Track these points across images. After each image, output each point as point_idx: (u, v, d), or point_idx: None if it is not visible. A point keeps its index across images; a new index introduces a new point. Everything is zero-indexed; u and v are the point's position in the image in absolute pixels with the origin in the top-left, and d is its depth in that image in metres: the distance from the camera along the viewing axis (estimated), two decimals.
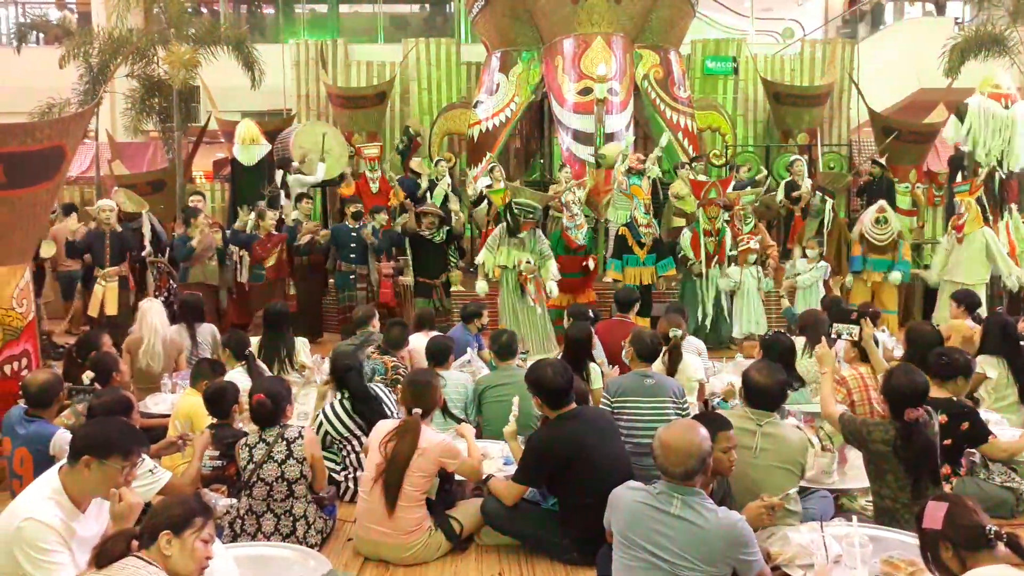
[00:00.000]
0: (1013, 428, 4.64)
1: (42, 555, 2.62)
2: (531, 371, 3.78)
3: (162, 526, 2.43)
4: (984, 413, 4.65)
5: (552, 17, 10.51)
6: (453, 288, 8.62)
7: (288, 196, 9.77)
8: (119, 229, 7.87)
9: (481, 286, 7.58)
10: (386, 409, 4.40)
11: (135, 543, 2.41)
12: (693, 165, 10.03)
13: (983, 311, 7.12)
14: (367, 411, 4.34)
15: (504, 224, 7.41)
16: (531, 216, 7.47)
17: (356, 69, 12.95)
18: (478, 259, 7.59)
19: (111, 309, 7.50)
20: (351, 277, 8.50)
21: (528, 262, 7.27)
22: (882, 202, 8.60)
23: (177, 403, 4.70)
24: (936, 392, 3.97)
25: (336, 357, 4.61)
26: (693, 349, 6.04)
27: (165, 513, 2.49)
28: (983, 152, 8.15)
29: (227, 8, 15.80)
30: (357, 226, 8.57)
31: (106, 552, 2.38)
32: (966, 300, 6.19)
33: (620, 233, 8.29)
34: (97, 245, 7.69)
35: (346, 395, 4.41)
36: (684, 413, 4.30)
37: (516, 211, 7.32)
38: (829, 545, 3.06)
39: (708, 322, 8.07)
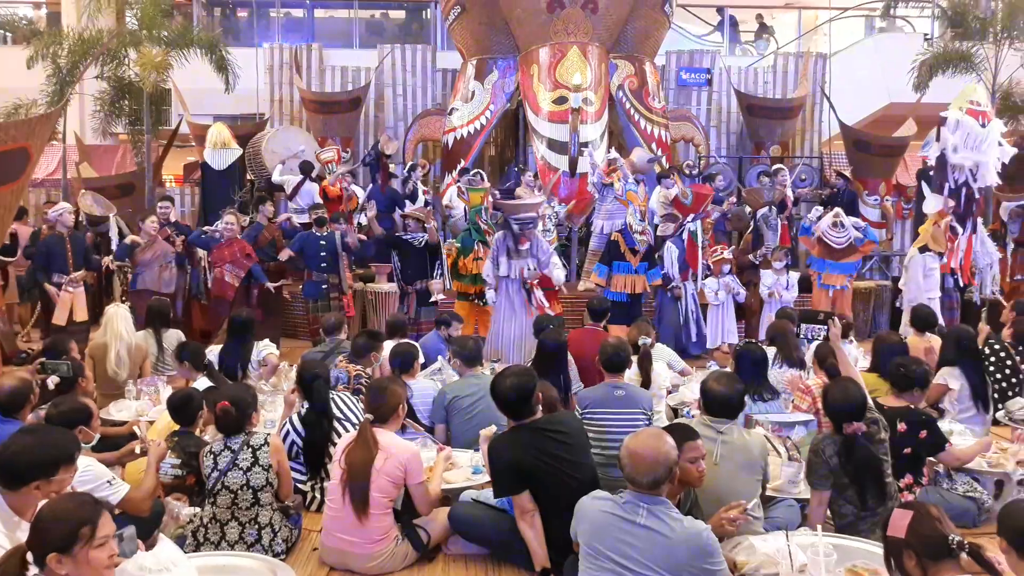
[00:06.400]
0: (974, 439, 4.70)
1: None
2: (494, 380, 3.75)
3: (48, 548, 2.20)
4: (948, 423, 4.73)
5: (528, 26, 10.54)
6: (436, 298, 8.39)
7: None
8: (77, 232, 7.68)
9: (490, 295, 7.28)
10: (334, 434, 4.26)
11: (30, 556, 2.21)
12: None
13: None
14: (317, 426, 4.24)
15: (502, 234, 7.15)
16: (530, 227, 7.32)
17: (331, 74, 12.87)
18: (484, 271, 7.30)
19: (81, 315, 7.30)
20: (323, 287, 8.00)
21: (532, 269, 7.18)
22: (837, 209, 8.77)
23: (158, 420, 4.59)
24: (894, 401, 4.06)
25: (304, 366, 4.54)
26: (664, 358, 6.07)
27: (46, 535, 2.23)
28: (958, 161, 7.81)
29: (200, 10, 15.65)
30: (323, 233, 8.12)
31: None
32: (917, 318, 6.31)
33: (613, 239, 8.25)
34: (57, 250, 7.33)
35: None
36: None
37: (516, 229, 7.04)
38: (795, 554, 3.07)
39: (690, 333, 8.13)
